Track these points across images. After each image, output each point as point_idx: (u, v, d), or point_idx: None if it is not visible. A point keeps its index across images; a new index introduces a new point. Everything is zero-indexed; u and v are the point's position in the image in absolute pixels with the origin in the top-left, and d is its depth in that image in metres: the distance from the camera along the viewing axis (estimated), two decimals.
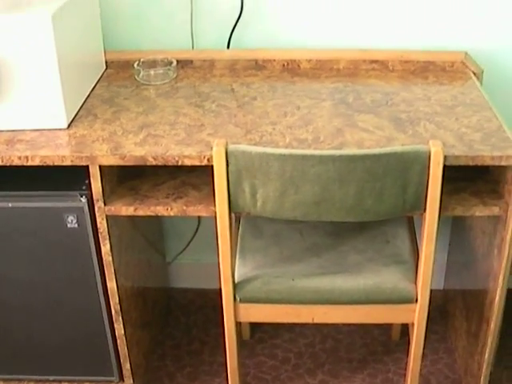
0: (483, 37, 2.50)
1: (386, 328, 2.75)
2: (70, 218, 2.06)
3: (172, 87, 2.36)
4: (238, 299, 2.08)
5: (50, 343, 2.31)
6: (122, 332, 2.25)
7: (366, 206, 1.86)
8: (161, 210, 2.02)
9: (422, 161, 1.80)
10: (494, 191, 2.05)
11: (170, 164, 1.93)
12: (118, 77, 2.45)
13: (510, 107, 2.53)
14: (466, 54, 2.46)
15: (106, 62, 2.52)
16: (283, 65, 2.49)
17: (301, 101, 2.23)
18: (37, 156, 1.95)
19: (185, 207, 2.01)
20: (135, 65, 2.40)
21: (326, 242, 2.22)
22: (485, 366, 2.24)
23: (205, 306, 2.92)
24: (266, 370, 2.60)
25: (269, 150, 1.80)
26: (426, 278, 2.00)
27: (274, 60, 2.49)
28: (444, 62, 2.46)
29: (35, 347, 2.32)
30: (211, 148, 1.83)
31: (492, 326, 2.16)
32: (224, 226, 1.93)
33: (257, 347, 2.70)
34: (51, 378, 2.39)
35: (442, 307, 2.85)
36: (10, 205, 2.06)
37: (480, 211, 2.00)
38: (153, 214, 2.03)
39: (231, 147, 1.81)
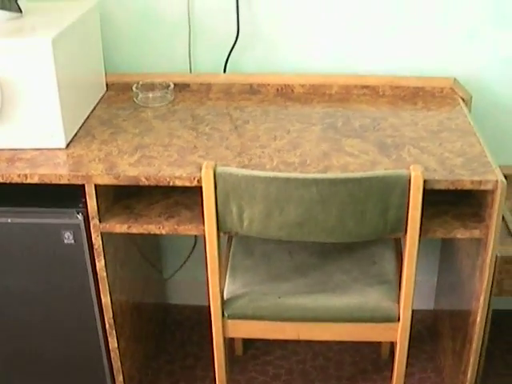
0: (472, 63, 2.56)
1: (375, 346, 2.80)
2: (67, 234, 2.13)
3: (169, 110, 2.44)
4: (226, 315, 2.14)
5: (44, 355, 2.37)
6: (116, 345, 2.31)
7: (347, 228, 1.93)
8: (153, 229, 2.09)
9: (402, 185, 1.87)
10: (476, 214, 2.11)
11: (161, 184, 2.01)
12: (118, 99, 2.53)
13: (499, 132, 2.61)
14: (455, 79, 2.52)
15: (107, 84, 2.60)
16: (277, 89, 2.56)
17: (291, 125, 2.31)
18: (35, 174, 2.03)
19: (176, 226, 2.09)
20: (134, 87, 2.48)
21: (313, 262, 2.29)
22: None
23: (200, 322, 2.97)
24: None
25: (255, 172, 1.88)
26: (408, 297, 2.06)
27: (269, 84, 2.56)
28: (433, 87, 2.53)
29: (29, 359, 2.38)
30: (201, 170, 1.90)
31: (474, 345, 2.21)
32: (212, 245, 2.00)
33: (249, 363, 2.76)
34: None
35: (431, 327, 2.91)
36: (9, 220, 2.13)
37: (461, 234, 2.06)
38: (145, 232, 2.10)
39: (219, 169, 1.89)
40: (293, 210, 1.89)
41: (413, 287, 2.05)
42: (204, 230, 2.01)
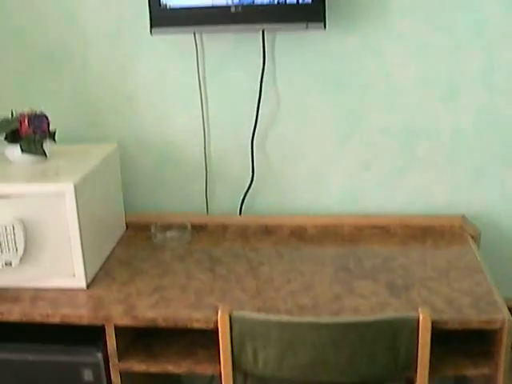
0: (480, 200, 2.65)
1: None
2: (87, 372, 2.18)
3: (186, 250, 2.52)
4: None
5: None
6: None
7: (359, 369, 1.98)
8: (170, 368, 2.14)
9: (411, 327, 1.93)
10: (486, 351, 2.14)
11: (179, 326, 2.08)
12: (137, 238, 2.62)
13: (507, 265, 2.67)
14: (463, 216, 2.61)
15: (127, 224, 2.70)
16: (291, 230, 2.65)
17: (304, 267, 2.37)
18: (57, 314, 2.11)
19: (193, 365, 2.14)
20: (152, 228, 2.58)
21: None
22: None
23: None
24: None
25: (269, 317, 1.95)
26: None
27: (283, 226, 2.65)
28: (442, 225, 2.61)
29: None
30: (217, 313, 1.97)
31: None
32: None
33: None
34: None
35: None
36: (30, 358, 2.19)
37: (471, 372, 2.09)
38: (163, 371, 2.15)
39: (235, 314, 1.96)
40: (305, 353, 1.95)
41: None
42: (220, 370, 2.06)
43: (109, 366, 2.17)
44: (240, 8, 2.35)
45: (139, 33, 2.58)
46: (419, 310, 1.94)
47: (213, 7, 2.37)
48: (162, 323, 2.08)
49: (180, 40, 2.57)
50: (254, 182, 2.70)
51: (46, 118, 2.39)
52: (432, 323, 1.94)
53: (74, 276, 2.25)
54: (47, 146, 2.40)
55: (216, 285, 2.27)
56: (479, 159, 2.60)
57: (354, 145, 2.64)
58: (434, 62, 2.51)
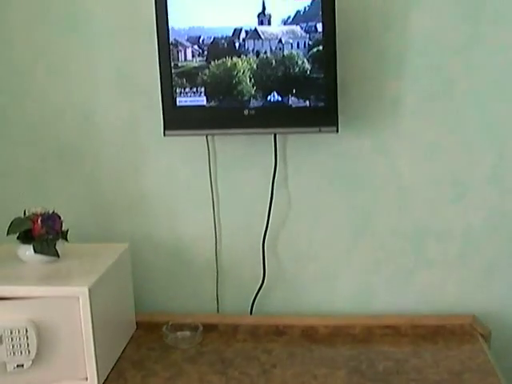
0: (491, 298, 2.66)
1: None
2: None
3: (198, 351, 2.49)
4: None
5: None
6: None
7: None
8: None
9: None
10: None
11: None
12: (148, 338, 2.60)
13: None
14: (474, 316, 2.60)
15: (137, 323, 2.68)
16: (302, 330, 2.62)
17: (317, 369, 2.34)
18: None
19: None
20: (164, 328, 2.56)
21: None
22: None
23: None
24: None
25: None
26: None
27: (294, 326, 2.63)
28: (453, 325, 2.59)
29: None
30: None
31: None
32: None
33: None
34: None
35: None
36: None
37: None
38: None
39: None
40: None
41: None
42: None
43: None
44: (253, 111, 2.38)
45: (151, 133, 2.62)
46: None
47: (226, 109, 2.40)
48: None
49: (192, 139, 2.60)
50: (265, 282, 2.70)
51: (59, 218, 2.41)
52: None
53: (87, 380, 2.23)
54: (60, 245, 2.40)
55: None
56: (490, 258, 2.62)
57: (365, 245, 2.66)
58: (444, 162, 2.55)
